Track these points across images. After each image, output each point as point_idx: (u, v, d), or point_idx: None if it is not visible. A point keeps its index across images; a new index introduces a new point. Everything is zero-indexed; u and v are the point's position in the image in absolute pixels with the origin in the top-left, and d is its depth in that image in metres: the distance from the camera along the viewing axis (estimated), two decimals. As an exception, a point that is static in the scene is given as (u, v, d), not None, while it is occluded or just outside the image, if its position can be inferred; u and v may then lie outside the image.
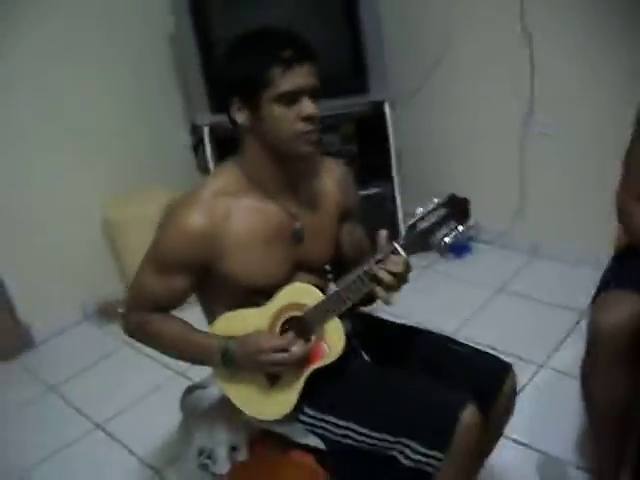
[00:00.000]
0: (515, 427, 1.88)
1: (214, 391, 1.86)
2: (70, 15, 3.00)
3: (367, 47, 2.93)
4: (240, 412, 1.71)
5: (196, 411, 1.89)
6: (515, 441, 2.19)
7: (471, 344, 1.74)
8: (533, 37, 2.85)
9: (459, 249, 3.36)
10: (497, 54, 3.02)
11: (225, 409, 1.80)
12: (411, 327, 1.82)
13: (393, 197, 3.19)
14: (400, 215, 3.22)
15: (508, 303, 2.96)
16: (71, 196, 3.16)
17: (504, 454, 1.94)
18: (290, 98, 1.44)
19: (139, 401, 2.67)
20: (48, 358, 3.11)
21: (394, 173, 3.17)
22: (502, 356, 1.69)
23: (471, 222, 1.53)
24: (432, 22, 3.18)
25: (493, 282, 3.11)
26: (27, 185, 3.02)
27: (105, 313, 3.28)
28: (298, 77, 1.43)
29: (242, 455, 1.78)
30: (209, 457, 1.84)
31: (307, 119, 1.46)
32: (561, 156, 2.97)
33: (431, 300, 2.95)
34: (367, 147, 3.17)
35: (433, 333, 1.79)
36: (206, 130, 3.09)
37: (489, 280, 3.13)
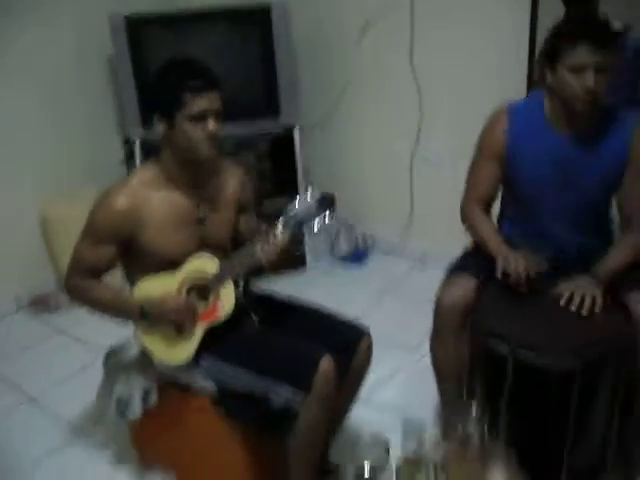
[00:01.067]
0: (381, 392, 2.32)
1: (131, 351, 2.27)
2: (10, 31, 3.32)
3: (280, 79, 3.41)
4: (152, 364, 2.13)
5: (116, 368, 2.29)
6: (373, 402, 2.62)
7: (338, 315, 2.19)
8: (418, 75, 3.38)
9: (357, 257, 3.83)
10: (390, 89, 3.53)
11: (140, 364, 2.23)
12: (294, 301, 2.28)
13: (299, 210, 3.64)
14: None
15: (394, 302, 3.42)
16: (9, 196, 3.48)
17: (365, 413, 2.35)
18: (198, 118, 1.89)
19: (70, 378, 2.98)
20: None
21: (300, 190, 3.63)
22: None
23: (334, 213, 1.96)
24: (339, 60, 3.68)
25: (383, 285, 3.58)
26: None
27: (39, 304, 3.60)
28: (205, 102, 1.89)
29: (153, 399, 2.20)
30: (126, 405, 2.24)
31: (210, 135, 1.91)
32: (442, 177, 3.46)
33: (335, 297, 3.38)
34: (278, 165, 3.63)
35: (309, 306, 2.25)
36: (137, 143, 3.49)
37: (381, 283, 3.60)
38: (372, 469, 1.63)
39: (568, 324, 2.02)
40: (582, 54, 1.95)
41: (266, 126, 3.53)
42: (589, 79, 1.97)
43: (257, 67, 3.43)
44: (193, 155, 1.95)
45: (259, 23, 3.33)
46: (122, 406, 2.25)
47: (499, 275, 2.14)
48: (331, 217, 1.94)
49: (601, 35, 1.97)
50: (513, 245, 2.27)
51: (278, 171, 3.61)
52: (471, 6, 3.15)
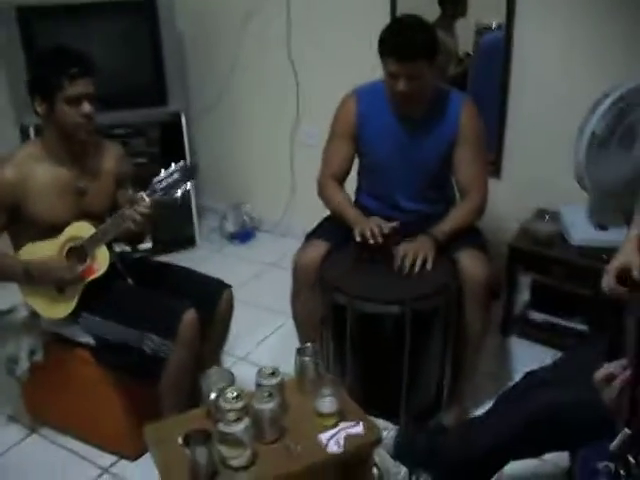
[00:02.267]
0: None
1: (21, 313, 2.50)
2: None
3: (167, 68, 3.63)
4: (37, 325, 2.37)
5: (6, 329, 2.51)
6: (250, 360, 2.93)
7: (203, 274, 2.49)
8: (296, 64, 3.68)
9: (244, 236, 4.11)
10: (271, 78, 3.82)
11: (27, 325, 2.45)
12: (166, 263, 2.56)
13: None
14: (193, 203, 3.94)
15: (275, 274, 3.73)
16: None
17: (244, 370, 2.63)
18: (74, 101, 2.14)
19: None
20: None
21: (189, 171, 3.88)
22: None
23: (195, 181, 2.25)
24: (224, 51, 3.93)
25: (268, 260, 3.88)
26: None
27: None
28: (81, 87, 2.15)
29: (39, 356, 2.43)
30: (15, 362, 2.46)
31: (85, 116, 2.17)
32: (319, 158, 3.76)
33: (221, 273, 3.66)
34: (168, 149, 3.86)
35: (179, 267, 2.53)
36: (32, 129, 3.65)
37: (265, 258, 3.90)
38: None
39: (401, 279, 2.35)
40: None
41: (155, 113, 3.77)
42: None
43: (144, 56, 3.64)
44: (71, 133, 2.20)
45: (145, 13, 3.54)
46: (11, 364, 2.47)
47: (357, 238, 2.45)
48: (192, 184, 2.23)
49: None
50: (367, 214, 2.60)
51: (167, 155, 3.83)
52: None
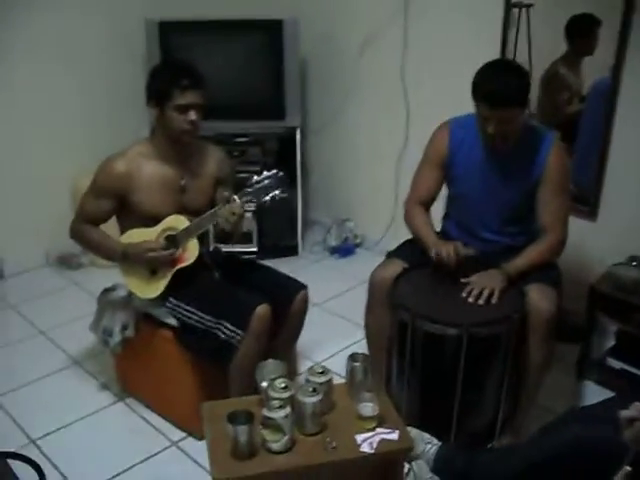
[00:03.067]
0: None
1: (120, 292, 2.78)
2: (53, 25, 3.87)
3: (287, 86, 3.91)
4: (131, 304, 2.64)
5: (106, 304, 2.81)
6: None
7: (283, 274, 2.70)
8: (408, 91, 3.84)
9: (345, 251, 4.30)
10: (384, 102, 4.00)
11: (124, 302, 2.73)
12: (251, 261, 2.78)
13: (296, 202, 4.16)
14: (299, 214, 4.17)
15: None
16: (49, 168, 4.04)
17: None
18: (182, 109, 2.41)
19: (76, 320, 3.43)
20: (15, 287, 3.98)
21: (298, 184, 4.13)
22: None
23: (283, 191, 2.46)
24: (342, 74, 4.17)
25: (363, 276, 4.01)
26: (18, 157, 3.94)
27: (64, 261, 4.16)
28: (189, 97, 2.42)
29: (130, 331, 2.70)
30: (110, 335, 2.75)
31: (190, 123, 2.43)
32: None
33: (318, 282, 3.82)
34: (281, 160, 4.12)
35: (263, 265, 2.75)
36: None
37: (361, 275, 4.03)
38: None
39: (465, 305, 2.44)
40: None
41: (272, 127, 4.05)
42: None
43: (268, 73, 3.94)
44: (177, 136, 2.47)
45: (272, 34, 3.84)
46: (106, 336, 2.77)
47: (433, 255, 2.57)
48: (282, 192, 2.45)
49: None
50: (450, 240, 2.70)
51: (281, 166, 4.07)
52: (458, 25, 3.58)
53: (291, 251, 4.26)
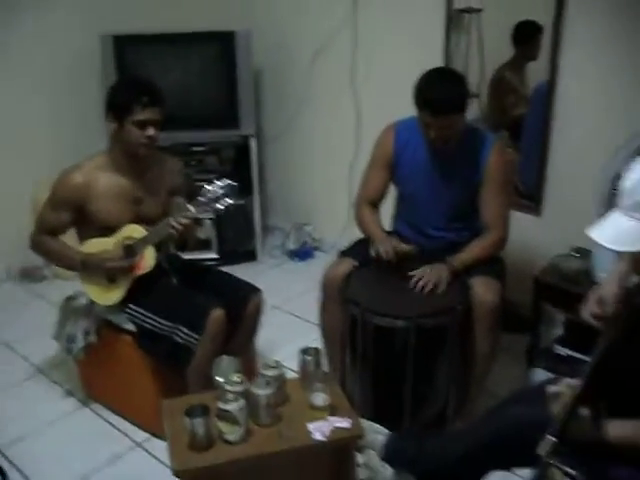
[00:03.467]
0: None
1: (82, 300, 2.86)
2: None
3: (240, 96, 4.02)
4: (93, 311, 2.72)
5: (68, 312, 2.88)
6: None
7: (239, 278, 2.79)
8: (358, 98, 3.97)
9: (304, 254, 4.41)
10: (335, 110, 4.13)
11: (85, 309, 2.81)
12: (208, 267, 2.88)
13: (253, 209, 4.28)
14: (257, 220, 4.28)
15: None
16: (8, 179, 4.06)
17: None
18: (141, 124, 2.51)
19: (41, 330, 3.37)
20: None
21: (254, 191, 4.24)
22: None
23: (236, 200, 2.57)
24: (295, 84, 4.30)
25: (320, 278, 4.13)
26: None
27: (27, 274, 4.21)
28: (148, 113, 2.51)
29: (92, 337, 2.78)
30: (73, 341, 2.83)
31: (148, 137, 2.53)
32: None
33: (277, 286, 3.95)
34: (238, 169, 4.22)
35: (220, 270, 2.85)
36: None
37: (320, 276, 4.15)
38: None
39: (413, 298, 2.57)
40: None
41: (228, 135, 4.16)
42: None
43: (222, 84, 4.03)
44: (134, 150, 2.56)
45: (225, 46, 3.94)
46: (69, 343, 2.85)
47: (372, 254, 2.71)
48: (235, 201, 2.56)
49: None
50: (401, 238, 2.84)
51: (237, 173, 4.19)
52: (404, 32, 3.72)
53: (250, 256, 4.36)
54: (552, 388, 1.75)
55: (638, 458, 1.72)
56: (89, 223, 2.63)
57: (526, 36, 3.39)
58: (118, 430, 2.87)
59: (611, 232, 1.58)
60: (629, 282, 2.09)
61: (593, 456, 1.77)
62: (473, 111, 3.71)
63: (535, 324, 3.23)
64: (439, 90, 2.54)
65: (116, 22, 3.99)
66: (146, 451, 2.75)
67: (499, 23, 3.45)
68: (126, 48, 3.90)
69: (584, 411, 1.66)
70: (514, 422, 1.99)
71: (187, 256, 3.02)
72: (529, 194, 3.50)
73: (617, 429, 1.68)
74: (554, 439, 1.58)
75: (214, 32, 3.98)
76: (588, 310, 2.02)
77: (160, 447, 2.69)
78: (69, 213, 2.61)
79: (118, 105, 2.54)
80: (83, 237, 2.69)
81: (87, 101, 4.13)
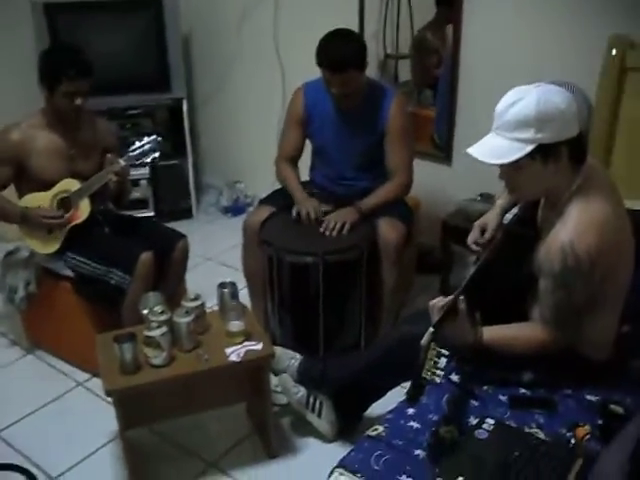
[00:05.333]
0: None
1: (23, 253, 3.07)
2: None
3: (171, 59, 4.23)
4: (33, 261, 2.94)
5: (9, 265, 3.09)
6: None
7: (166, 226, 3.05)
8: (281, 57, 4.21)
9: (237, 210, 4.64)
10: (262, 69, 4.35)
11: (26, 261, 3.03)
12: (138, 217, 3.12)
13: (187, 168, 4.51)
14: (191, 179, 4.51)
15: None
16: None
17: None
18: (69, 95, 2.72)
19: None
20: None
21: (188, 151, 4.48)
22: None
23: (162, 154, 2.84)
24: (223, 47, 4.49)
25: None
26: None
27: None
28: (75, 85, 2.72)
29: (32, 287, 3.00)
30: (15, 292, 3.04)
31: (76, 107, 2.74)
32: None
33: (211, 239, 4.30)
34: (171, 130, 4.44)
35: (150, 220, 3.09)
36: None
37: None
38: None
39: (324, 239, 2.85)
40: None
41: (160, 98, 4.37)
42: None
43: (152, 49, 4.22)
44: (64, 117, 2.80)
45: (153, 12, 4.13)
46: (12, 294, 3.06)
47: (294, 215, 2.98)
48: (160, 155, 2.88)
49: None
50: (317, 186, 3.14)
51: (171, 134, 4.42)
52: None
53: (186, 214, 4.59)
54: (432, 302, 2.01)
55: (505, 359, 2.00)
56: (27, 178, 2.84)
57: None
58: (61, 372, 3.11)
59: (484, 149, 1.86)
60: (507, 214, 2.40)
61: (466, 361, 2.08)
62: (407, 71, 4.00)
63: (445, 263, 3.54)
64: (335, 49, 2.80)
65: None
66: (87, 389, 3.00)
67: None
68: (57, 15, 4.05)
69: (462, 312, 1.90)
70: (403, 338, 2.25)
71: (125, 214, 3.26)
72: (441, 146, 3.78)
73: (491, 333, 1.95)
74: (432, 329, 1.84)
75: (143, -2, 4.17)
76: (472, 238, 2.31)
77: (99, 385, 2.93)
78: (8, 169, 2.82)
79: (47, 76, 2.75)
80: (22, 192, 2.90)
81: (19, 69, 4.24)
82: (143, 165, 2.84)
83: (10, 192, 2.94)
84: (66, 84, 2.70)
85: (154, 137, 2.83)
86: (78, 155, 2.89)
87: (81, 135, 2.91)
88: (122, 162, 2.77)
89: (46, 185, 2.84)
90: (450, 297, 1.93)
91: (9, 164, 2.81)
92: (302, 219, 2.95)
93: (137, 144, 2.81)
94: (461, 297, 1.88)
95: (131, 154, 2.79)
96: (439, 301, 1.96)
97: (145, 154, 2.79)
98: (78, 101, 2.74)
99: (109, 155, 2.87)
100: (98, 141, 2.97)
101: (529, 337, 1.95)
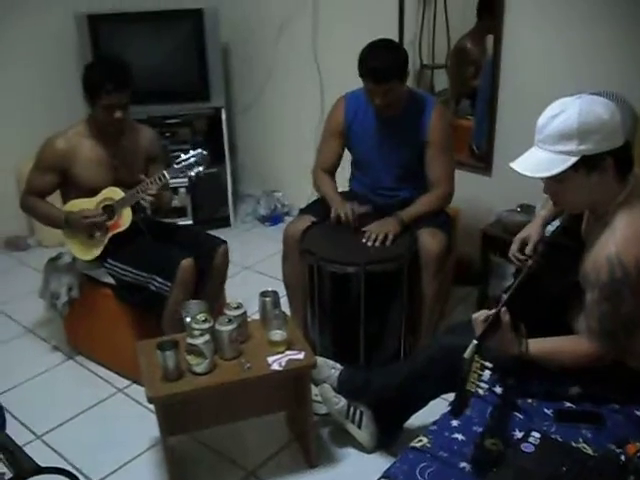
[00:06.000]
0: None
1: (65, 259, 3.12)
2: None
3: (210, 70, 4.27)
4: (75, 268, 2.98)
5: (52, 271, 3.14)
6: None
7: (206, 232, 3.10)
8: (320, 67, 4.23)
9: (274, 219, 4.67)
10: (301, 80, 4.37)
11: (68, 267, 3.07)
12: (179, 225, 3.14)
13: (225, 177, 4.53)
14: (229, 188, 4.54)
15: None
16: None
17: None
18: (108, 108, 2.76)
19: (26, 294, 3.64)
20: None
21: (226, 160, 4.51)
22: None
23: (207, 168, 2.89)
24: (262, 57, 4.54)
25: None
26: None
27: (12, 244, 4.45)
28: (114, 99, 2.76)
29: (75, 292, 3.04)
30: (57, 298, 3.08)
31: (115, 120, 2.78)
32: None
33: (249, 248, 4.33)
34: (210, 139, 4.47)
35: (190, 228, 3.11)
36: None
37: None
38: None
39: (364, 248, 2.84)
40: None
41: (199, 108, 4.41)
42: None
43: (193, 60, 4.27)
44: (104, 128, 2.85)
45: (194, 23, 4.18)
46: (54, 299, 3.11)
47: (333, 217, 2.97)
48: (206, 169, 2.89)
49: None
50: (357, 197, 3.12)
51: (209, 144, 4.44)
52: (362, 6, 3.94)
53: (224, 222, 4.62)
54: (475, 314, 1.99)
55: (551, 372, 1.98)
56: (72, 185, 2.90)
57: (489, 8, 3.47)
58: (101, 378, 3.14)
59: (527, 163, 1.85)
60: (549, 226, 2.38)
61: (510, 373, 2.06)
62: (443, 81, 3.99)
63: (484, 274, 3.51)
64: (378, 59, 2.80)
65: (89, 2, 4.20)
66: (127, 395, 3.02)
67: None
68: (100, 27, 4.12)
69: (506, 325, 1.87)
70: (444, 349, 2.23)
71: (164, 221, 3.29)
72: (481, 156, 3.76)
73: (537, 345, 1.92)
74: (476, 342, 1.83)
75: (183, 10, 4.22)
76: (513, 250, 2.30)
77: (140, 392, 2.94)
78: (54, 176, 2.87)
79: (88, 90, 2.81)
80: (66, 198, 2.96)
81: (65, 79, 4.31)
82: (188, 178, 2.81)
83: (54, 197, 3.01)
84: (105, 98, 2.74)
85: (200, 151, 2.86)
86: (121, 164, 2.93)
87: (124, 145, 2.95)
88: (167, 175, 2.82)
89: (90, 192, 2.89)
90: (493, 310, 1.91)
91: (55, 172, 2.86)
92: (341, 220, 2.94)
93: (183, 157, 2.85)
94: (504, 309, 1.86)
95: (176, 166, 2.83)
96: (482, 314, 1.94)
97: (190, 167, 2.82)
98: (118, 114, 2.78)
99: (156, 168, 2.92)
100: (142, 150, 3.01)
101: (575, 349, 1.93)
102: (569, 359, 1.93)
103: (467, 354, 1.79)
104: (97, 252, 2.90)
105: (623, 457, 1.75)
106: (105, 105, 2.75)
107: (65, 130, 2.90)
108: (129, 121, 2.95)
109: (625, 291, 1.78)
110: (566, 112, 1.75)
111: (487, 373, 1.77)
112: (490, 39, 3.53)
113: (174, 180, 2.98)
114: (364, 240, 2.88)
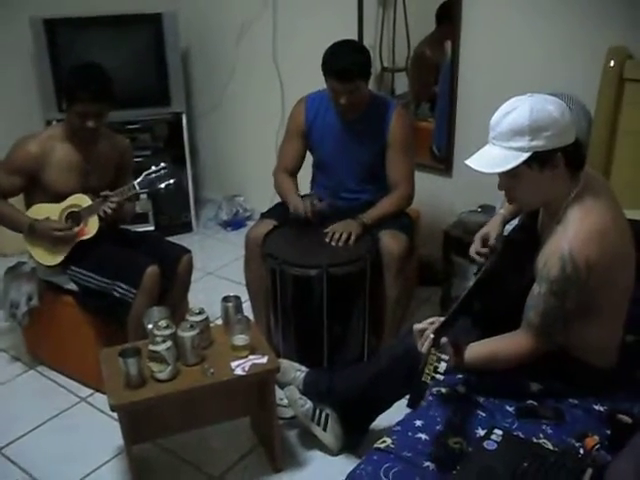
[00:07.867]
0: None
1: (25, 267, 3.07)
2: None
3: (170, 75, 4.25)
4: (35, 275, 2.94)
5: (11, 279, 3.09)
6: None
7: (170, 241, 3.07)
8: (280, 70, 4.24)
9: (236, 224, 4.64)
10: (261, 83, 4.38)
11: (28, 275, 3.02)
12: (143, 232, 3.13)
13: (186, 182, 4.51)
14: (191, 193, 4.51)
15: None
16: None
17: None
18: (81, 115, 2.73)
19: None
20: None
21: (187, 165, 4.48)
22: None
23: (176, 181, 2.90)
24: (222, 62, 4.52)
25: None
26: None
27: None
28: (87, 107, 2.72)
29: (35, 301, 2.99)
30: (17, 307, 3.03)
31: (87, 128, 2.74)
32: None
33: (211, 253, 4.33)
34: (170, 145, 4.45)
35: (153, 234, 3.09)
36: (54, 123, 4.26)
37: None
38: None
39: (325, 250, 2.85)
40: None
41: (160, 113, 4.38)
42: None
43: (151, 64, 4.24)
44: (76, 134, 2.81)
45: (153, 28, 4.15)
46: (13, 309, 3.05)
47: (291, 210, 3.00)
48: (175, 182, 2.90)
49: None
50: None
51: (170, 149, 4.43)
52: (321, 9, 3.95)
53: (186, 228, 4.59)
54: (417, 325, 1.99)
55: (511, 370, 2.00)
56: (39, 189, 2.85)
57: (448, 13, 3.51)
58: (64, 388, 3.09)
59: (481, 159, 1.88)
60: (508, 225, 2.42)
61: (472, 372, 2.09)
62: (404, 84, 4.02)
63: (446, 275, 3.54)
64: (344, 59, 2.82)
65: (47, 6, 4.12)
66: (90, 404, 2.98)
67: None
68: (57, 32, 4.07)
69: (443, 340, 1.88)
70: (408, 349, 2.22)
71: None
72: (442, 158, 3.80)
73: (472, 354, 1.95)
74: (432, 335, 1.85)
75: (142, 14, 4.18)
76: (473, 248, 2.32)
77: (103, 401, 2.88)
78: (20, 179, 2.82)
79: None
80: (31, 202, 2.90)
81: (24, 90, 4.30)
82: (157, 190, 2.82)
83: (16, 200, 2.96)
84: (79, 105, 2.71)
85: (168, 163, 2.92)
86: (93, 170, 2.90)
87: (97, 150, 2.92)
88: (137, 186, 2.82)
89: (57, 197, 2.84)
90: (436, 325, 1.92)
91: (23, 175, 2.81)
92: (299, 214, 2.96)
93: (153, 168, 2.85)
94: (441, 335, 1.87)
95: (146, 177, 2.84)
96: (421, 326, 1.95)
97: (159, 180, 2.84)
98: (90, 123, 2.74)
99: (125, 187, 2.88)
100: (113, 158, 2.99)
101: (511, 349, 1.95)
102: (505, 360, 1.96)
103: (424, 348, 1.84)
104: (60, 258, 2.86)
105: (582, 450, 1.78)
106: (78, 112, 2.72)
107: (37, 133, 2.88)
108: (104, 130, 2.93)
109: (573, 287, 1.82)
110: (518, 110, 1.79)
111: (443, 365, 1.80)
112: (449, 44, 3.58)
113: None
114: (327, 240, 2.89)
